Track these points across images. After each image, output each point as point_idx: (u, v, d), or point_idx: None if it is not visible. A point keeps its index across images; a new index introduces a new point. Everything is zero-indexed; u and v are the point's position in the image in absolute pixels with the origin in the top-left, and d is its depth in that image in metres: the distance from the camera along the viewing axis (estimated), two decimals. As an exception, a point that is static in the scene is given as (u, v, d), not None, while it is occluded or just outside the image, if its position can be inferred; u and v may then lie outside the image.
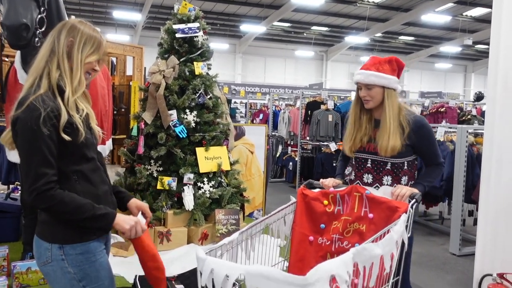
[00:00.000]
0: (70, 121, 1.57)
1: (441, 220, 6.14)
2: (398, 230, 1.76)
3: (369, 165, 2.34)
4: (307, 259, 2.12)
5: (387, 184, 2.30)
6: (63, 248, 1.58)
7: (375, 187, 2.29)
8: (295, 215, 2.20)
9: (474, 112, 8.33)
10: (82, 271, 1.59)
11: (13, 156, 3.19)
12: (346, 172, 2.48)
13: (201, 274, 1.54)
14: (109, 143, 4.11)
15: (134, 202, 1.87)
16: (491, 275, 2.66)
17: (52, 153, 1.52)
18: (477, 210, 3.69)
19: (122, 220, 1.63)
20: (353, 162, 2.41)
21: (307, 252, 2.14)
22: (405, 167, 2.33)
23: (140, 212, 1.81)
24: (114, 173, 4.82)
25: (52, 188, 1.51)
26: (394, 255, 1.73)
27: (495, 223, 2.71)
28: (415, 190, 2.09)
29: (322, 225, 2.15)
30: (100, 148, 2.16)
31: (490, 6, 2.53)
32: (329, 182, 2.26)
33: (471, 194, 4.72)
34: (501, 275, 2.61)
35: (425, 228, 6.03)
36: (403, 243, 1.83)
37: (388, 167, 2.31)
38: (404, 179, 2.34)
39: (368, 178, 2.34)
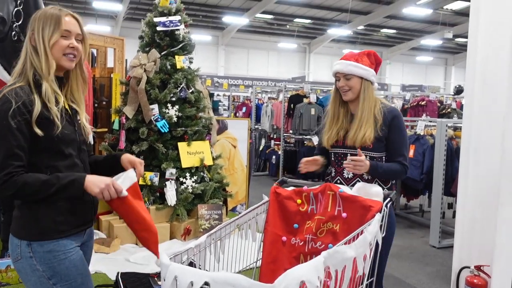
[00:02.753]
0: (45, 115, 1.54)
1: (421, 213, 6.24)
2: (372, 230, 1.70)
3: None
4: (280, 260, 2.04)
5: (367, 179, 2.30)
6: (31, 245, 1.56)
7: (356, 182, 2.27)
8: (267, 214, 2.11)
9: (454, 105, 8.46)
10: (51, 269, 1.57)
11: None
12: (328, 170, 2.48)
13: (164, 280, 1.43)
14: (90, 137, 4.06)
15: (127, 157, 1.76)
16: (469, 267, 2.71)
17: (20, 146, 1.49)
18: (456, 203, 3.76)
19: (91, 182, 1.52)
20: (332, 158, 2.40)
21: (280, 253, 2.06)
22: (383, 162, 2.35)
23: (132, 168, 1.69)
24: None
25: (14, 175, 1.48)
26: (366, 256, 1.67)
27: (472, 216, 2.74)
28: (368, 166, 2.18)
29: (296, 225, 2.07)
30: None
31: (469, 0, 2.56)
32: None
33: (451, 187, 4.80)
34: (478, 267, 2.65)
35: (406, 220, 6.12)
36: (377, 243, 1.76)
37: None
38: None
39: (348, 173, 2.33)
